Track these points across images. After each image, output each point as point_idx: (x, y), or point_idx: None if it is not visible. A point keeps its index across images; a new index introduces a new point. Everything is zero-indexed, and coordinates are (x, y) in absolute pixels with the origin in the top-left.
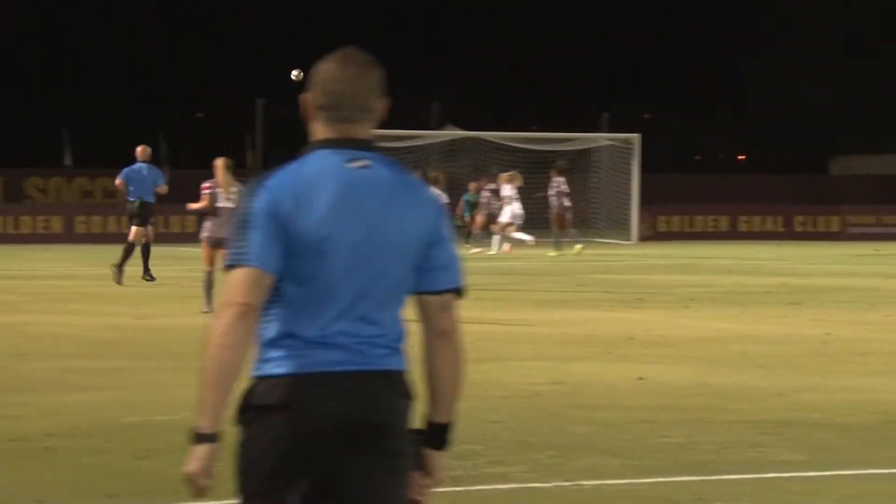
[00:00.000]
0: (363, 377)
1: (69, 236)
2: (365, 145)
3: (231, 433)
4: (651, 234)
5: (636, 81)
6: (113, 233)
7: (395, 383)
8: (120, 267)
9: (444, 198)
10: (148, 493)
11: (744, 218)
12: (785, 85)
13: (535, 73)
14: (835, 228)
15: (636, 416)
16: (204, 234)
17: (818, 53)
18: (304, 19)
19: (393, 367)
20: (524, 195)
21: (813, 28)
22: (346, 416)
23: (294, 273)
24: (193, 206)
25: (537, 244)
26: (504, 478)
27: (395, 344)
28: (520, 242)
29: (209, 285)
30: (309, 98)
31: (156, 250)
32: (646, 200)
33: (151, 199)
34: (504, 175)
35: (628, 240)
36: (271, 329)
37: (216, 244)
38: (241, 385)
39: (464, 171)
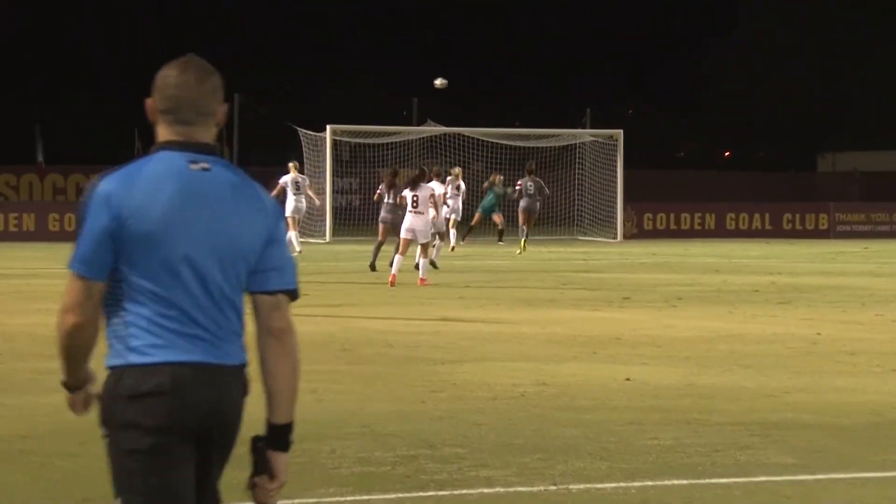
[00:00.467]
0: (217, 370)
1: (42, 234)
2: (206, 148)
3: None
4: (636, 233)
5: (619, 78)
6: None
7: (238, 377)
8: None
9: (461, 191)
10: None
11: (730, 215)
12: (771, 81)
13: (517, 70)
14: (823, 226)
15: (624, 418)
16: None
17: (805, 50)
18: (283, 16)
19: (237, 362)
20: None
21: (800, 24)
22: (208, 408)
23: (140, 268)
24: None
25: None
26: (489, 481)
27: (235, 339)
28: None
29: None
30: (151, 102)
31: None
32: (631, 197)
33: None
34: (453, 171)
35: (613, 238)
36: (128, 321)
37: None
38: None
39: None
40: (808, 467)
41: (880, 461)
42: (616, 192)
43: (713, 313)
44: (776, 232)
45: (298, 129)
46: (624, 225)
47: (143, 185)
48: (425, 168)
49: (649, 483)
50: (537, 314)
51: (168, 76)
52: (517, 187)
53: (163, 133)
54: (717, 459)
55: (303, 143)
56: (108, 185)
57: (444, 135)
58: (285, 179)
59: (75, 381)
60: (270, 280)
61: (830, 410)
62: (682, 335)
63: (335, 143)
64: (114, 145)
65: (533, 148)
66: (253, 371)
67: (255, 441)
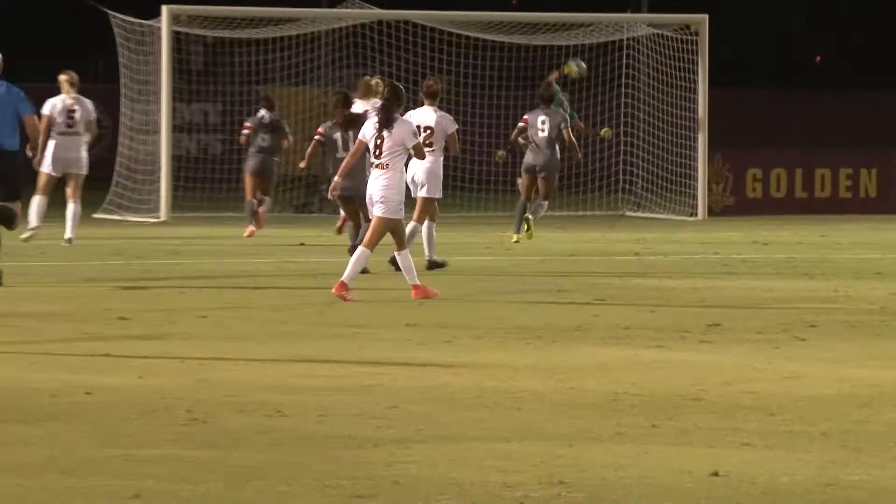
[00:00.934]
0: None
1: None
2: None
3: None
4: (732, 204)
5: None
6: None
7: None
8: None
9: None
10: None
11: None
12: None
13: None
14: None
15: None
16: None
17: None
18: None
19: None
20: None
21: None
22: None
23: None
24: None
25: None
26: None
27: None
28: None
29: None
30: None
31: None
32: (724, 142)
33: (13, 145)
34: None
35: (691, 214)
36: None
37: None
38: None
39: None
40: None
41: None
42: (695, 133)
43: (873, 352)
44: None
45: (109, 11)
46: (710, 191)
47: None
48: (347, 91)
49: None
50: (550, 355)
51: None
52: (521, 127)
53: None
54: None
55: (117, 40)
56: None
57: (380, 24)
58: (50, 106)
59: None
60: None
61: None
62: (815, 393)
63: (177, 40)
64: None
65: (543, 50)
66: None
67: None
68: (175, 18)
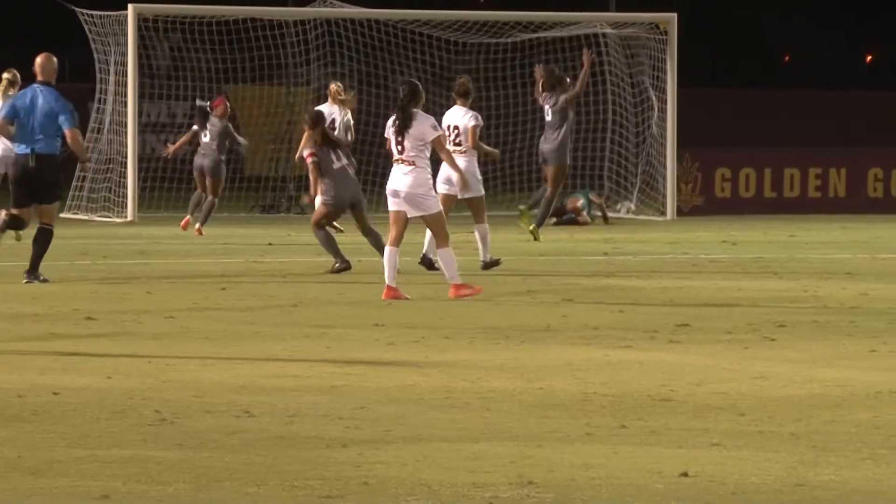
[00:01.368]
0: None
1: None
2: None
3: None
4: (701, 204)
5: None
6: None
7: None
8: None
9: (469, 118)
10: None
11: (875, 171)
12: None
13: None
14: None
15: None
16: None
17: None
18: None
19: None
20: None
21: None
22: None
23: None
24: None
25: None
26: None
27: None
28: None
29: None
30: None
31: None
32: (692, 141)
33: (53, 149)
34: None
35: (660, 213)
36: None
37: None
38: None
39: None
40: None
41: None
42: (664, 131)
43: (842, 353)
44: None
45: (75, 8)
46: (679, 191)
47: None
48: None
49: None
50: (519, 356)
51: None
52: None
53: None
54: None
55: (88, 35)
56: None
57: (348, 23)
58: None
59: None
60: None
61: None
62: (785, 393)
63: (143, 35)
64: None
65: (508, 46)
66: None
67: None
68: (141, 14)
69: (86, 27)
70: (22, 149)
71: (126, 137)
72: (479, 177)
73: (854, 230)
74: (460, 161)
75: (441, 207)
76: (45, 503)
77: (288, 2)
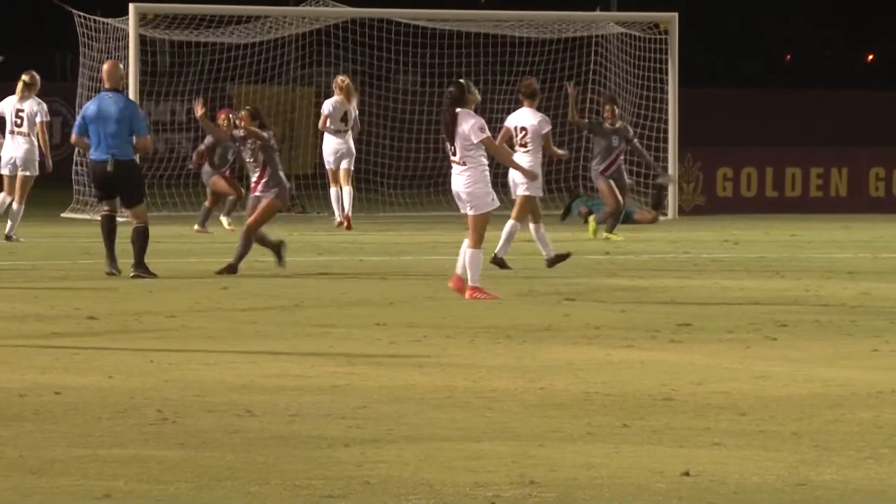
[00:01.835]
0: None
1: None
2: None
3: None
4: (703, 203)
5: None
6: None
7: None
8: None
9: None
10: None
11: (876, 171)
12: None
13: None
14: None
15: None
16: None
17: None
18: None
19: None
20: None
21: None
22: None
23: None
24: None
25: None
26: None
27: None
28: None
29: None
30: None
31: None
32: (694, 140)
33: (128, 154)
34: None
35: (661, 214)
36: None
37: None
38: None
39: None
40: None
41: None
42: (665, 131)
43: (844, 352)
44: None
45: (74, 11)
46: (681, 190)
47: None
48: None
49: None
50: (520, 355)
51: None
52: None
53: None
54: None
55: (80, 38)
56: None
57: (349, 23)
58: (5, 106)
59: None
60: None
61: None
62: (786, 392)
63: (144, 39)
64: None
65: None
66: None
67: None
68: (141, 16)
69: (79, 30)
70: (98, 155)
71: None
72: (539, 176)
73: (856, 229)
74: (524, 161)
75: (486, 212)
76: (47, 502)
77: (289, 1)
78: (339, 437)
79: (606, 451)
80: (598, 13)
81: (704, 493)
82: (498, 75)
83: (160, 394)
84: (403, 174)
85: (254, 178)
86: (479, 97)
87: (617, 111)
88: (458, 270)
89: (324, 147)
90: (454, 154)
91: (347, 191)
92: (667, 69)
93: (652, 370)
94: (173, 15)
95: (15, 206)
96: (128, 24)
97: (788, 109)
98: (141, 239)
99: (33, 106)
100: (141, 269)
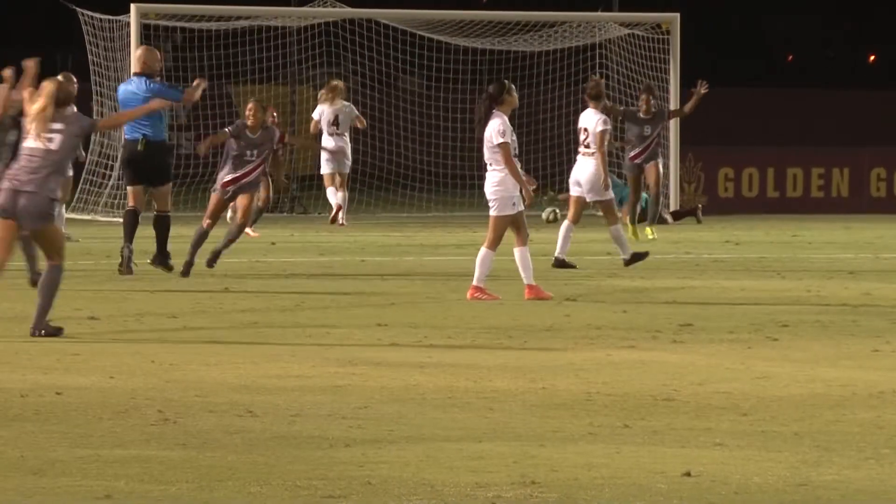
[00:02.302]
0: None
1: None
2: None
3: None
4: (705, 204)
5: None
6: None
7: None
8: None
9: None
10: None
11: (878, 171)
12: None
13: None
14: None
15: None
16: None
17: None
18: None
19: None
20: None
21: None
22: None
23: None
24: None
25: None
26: None
27: None
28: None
29: None
30: None
31: None
32: (696, 139)
33: (164, 135)
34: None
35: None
36: None
37: None
38: None
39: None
40: None
41: None
42: (667, 131)
43: (845, 352)
44: None
45: (77, 9)
46: (682, 190)
47: None
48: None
49: None
50: (521, 355)
51: None
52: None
53: None
54: None
55: (85, 36)
56: None
57: (348, 23)
58: None
59: None
60: None
61: None
62: (788, 393)
63: (146, 35)
64: None
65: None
66: None
67: None
68: (143, 14)
69: (84, 28)
70: (130, 134)
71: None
72: (601, 179)
73: (857, 230)
74: (589, 164)
75: (507, 214)
76: (48, 503)
77: (291, 1)
78: (341, 437)
79: (607, 452)
80: (599, 14)
81: (705, 493)
82: (499, 76)
83: (161, 394)
84: (405, 174)
85: (240, 172)
86: (517, 102)
87: (653, 101)
88: (526, 280)
89: (321, 151)
90: (485, 155)
91: (341, 195)
92: (668, 69)
93: (653, 370)
94: (175, 14)
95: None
96: (131, 20)
97: (790, 109)
98: (162, 228)
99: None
100: (160, 259)
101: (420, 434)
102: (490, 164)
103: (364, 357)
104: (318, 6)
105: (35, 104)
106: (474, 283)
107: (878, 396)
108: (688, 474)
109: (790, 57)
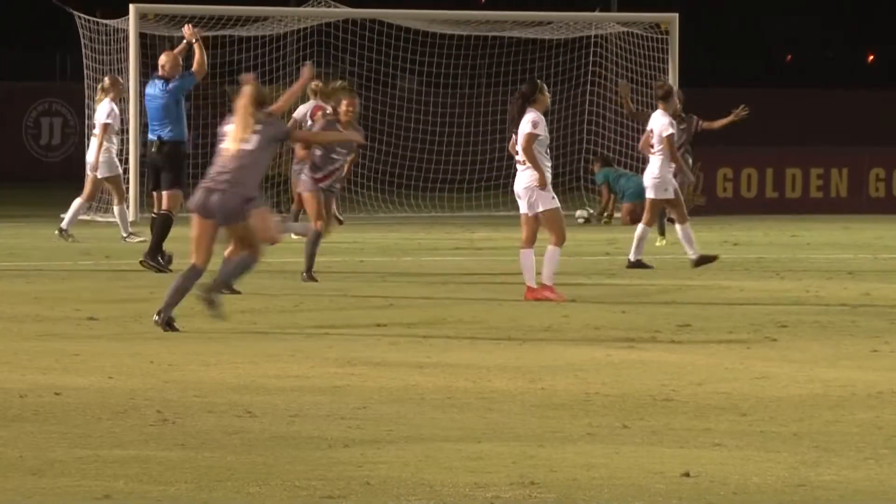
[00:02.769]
0: None
1: None
2: None
3: None
4: (704, 204)
5: None
6: None
7: None
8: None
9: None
10: None
11: (877, 171)
12: None
13: None
14: None
15: None
16: None
17: None
18: None
19: None
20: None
21: None
22: None
23: None
24: None
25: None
26: None
27: None
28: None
29: None
30: None
31: None
32: (695, 140)
33: (180, 135)
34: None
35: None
36: None
37: None
38: None
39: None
40: None
41: None
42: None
43: (844, 353)
44: None
45: (74, 12)
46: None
47: None
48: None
49: None
50: (520, 356)
51: None
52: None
53: None
54: None
55: (81, 39)
56: None
57: (347, 23)
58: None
59: None
60: None
61: None
62: (787, 393)
63: (144, 38)
64: None
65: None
66: None
67: None
68: (141, 15)
69: (81, 31)
70: (149, 137)
71: (128, 137)
72: (662, 179)
73: (856, 230)
74: (654, 163)
75: (553, 206)
76: (47, 503)
77: (289, 2)
78: (339, 437)
79: (606, 452)
80: (598, 13)
81: (704, 493)
82: (501, 76)
83: (160, 394)
84: (404, 174)
85: (329, 168)
86: (549, 102)
87: (679, 106)
88: (545, 280)
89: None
90: (517, 153)
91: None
92: (667, 69)
93: (652, 371)
94: (174, 15)
95: (115, 208)
96: (128, 24)
97: (789, 110)
98: (160, 226)
99: (102, 108)
100: (151, 257)
101: (419, 434)
102: (524, 162)
103: (363, 357)
104: (314, 6)
105: (236, 105)
106: (544, 280)
107: (876, 397)
108: (686, 474)
109: (789, 57)
